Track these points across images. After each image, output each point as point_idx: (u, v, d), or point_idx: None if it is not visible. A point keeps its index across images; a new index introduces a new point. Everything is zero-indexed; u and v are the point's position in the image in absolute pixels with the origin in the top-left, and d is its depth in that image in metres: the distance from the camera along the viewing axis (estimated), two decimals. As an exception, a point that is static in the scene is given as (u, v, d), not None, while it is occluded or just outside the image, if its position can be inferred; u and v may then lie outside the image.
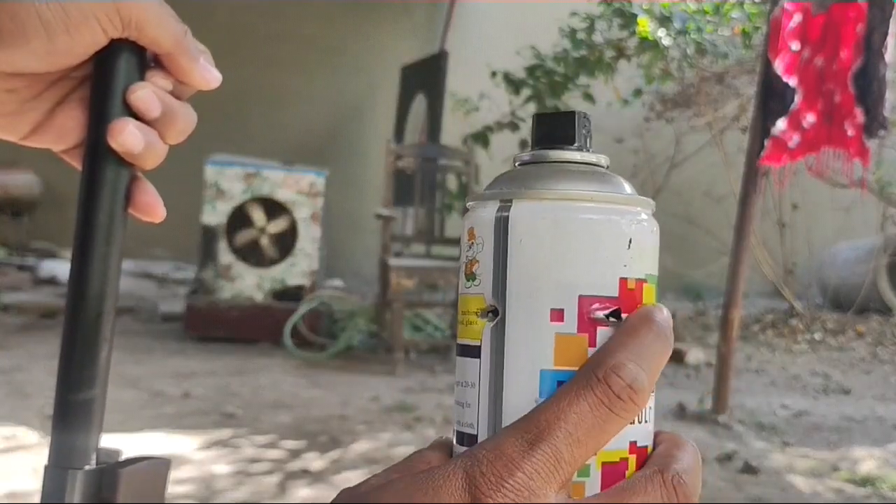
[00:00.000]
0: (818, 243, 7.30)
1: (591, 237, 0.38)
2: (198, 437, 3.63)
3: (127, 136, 0.49)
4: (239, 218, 5.47)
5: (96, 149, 0.49)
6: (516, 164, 0.42)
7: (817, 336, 6.56)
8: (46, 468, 0.48)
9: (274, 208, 5.51)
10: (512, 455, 0.36)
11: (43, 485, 0.47)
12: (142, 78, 0.51)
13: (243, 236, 5.50)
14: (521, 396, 0.38)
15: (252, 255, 5.50)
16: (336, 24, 7.82)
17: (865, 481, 3.78)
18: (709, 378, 4.94)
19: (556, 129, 0.41)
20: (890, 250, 7.00)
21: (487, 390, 0.38)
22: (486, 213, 0.39)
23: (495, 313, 0.38)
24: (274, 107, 7.58)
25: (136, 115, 0.50)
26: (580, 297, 0.38)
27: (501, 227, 0.39)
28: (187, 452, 3.43)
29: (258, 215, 5.50)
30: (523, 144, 6.28)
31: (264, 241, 5.52)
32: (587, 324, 0.38)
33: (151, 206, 0.52)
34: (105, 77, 0.50)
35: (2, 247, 6.91)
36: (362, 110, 7.99)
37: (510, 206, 0.39)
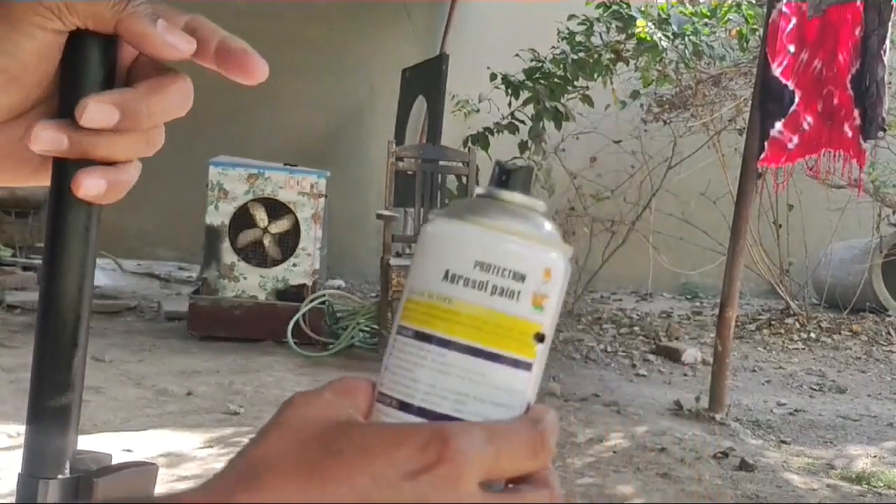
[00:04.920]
0: (814, 243, 7.34)
1: None
2: (201, 435, 3.67)
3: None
4: (242, 218, 5.51)
5: None
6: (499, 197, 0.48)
7: (813, 335, 6.59)
8: (20, 476, 0.46)
9: (276, 209, 5.55)
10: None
11: (17, 494, 0.46)
12: (110, 67, 0.48)
13: (246, 236, 5.54)
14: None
15: (255, 254, 5.54)
16: (337, 27, 7.85)
17: (860, 479, 3.81)
18: (705, 376, 4.97)
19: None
20: (885, 250, 7.04)
21: (530, 396, 0.46)
22: (561, 262, 0.47)
23: (543, 339, 0.46)
24: (276, 109, 7.61)
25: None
26: None
27: (567, 274, 0.47)
28: (190, 450, 3.47)
29: (261, 216, 5.54)
30: (523, 146, 6.32)
31: (267, 241, 5.56)
32: None
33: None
34: (67, 74, 0.48)
35: (7, 247, 6.95)
36: (363, 112, 8.03)
37: (569, 259, 0.48)
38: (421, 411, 0.45)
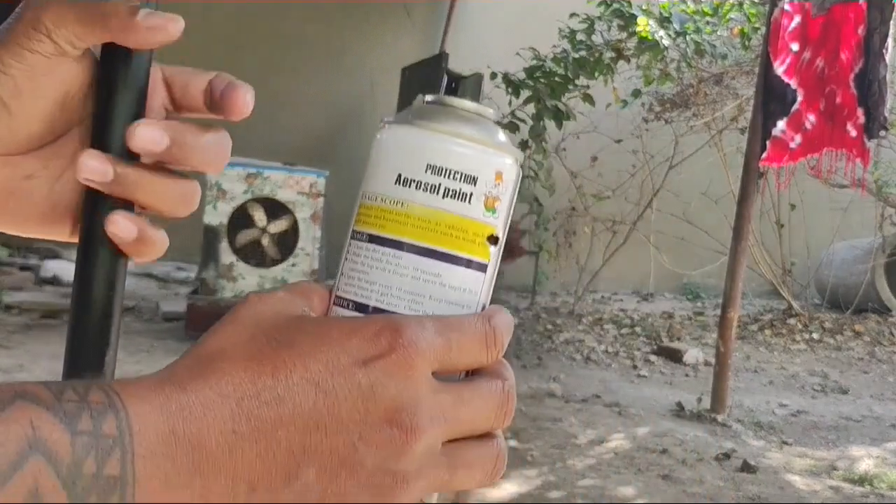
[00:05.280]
0: (816, 243, 7.32)
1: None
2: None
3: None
4: (240, 218, 5.49)
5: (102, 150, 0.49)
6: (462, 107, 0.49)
7: (815, 335, 6.58)
8: None
9: (275, 208, 5.53)
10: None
11: None
12: (141, 78, 0.49)
13: (245, 236, 5.52)
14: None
15: (253, 255, 5.52)
16: (337, 26, 7.84)
17: (863, 480, 3.80)
18: (707, 377, 4.96)
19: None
20: (888, 250, 7.02)
21: (484, 298, 0.48)
22: (512, 166, 0.48)
23: (497, 242, 0.48)
24: (275, 108, 7.59)
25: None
26: None
27: (518, 179, 0.49)
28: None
29: (259, 215, 5.52)
30: (523, 145, 6.30)
31: (265, 242, 5.54)
32: None
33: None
34: (102, 86, 0.49)
35: (4, 246, 6.94)
36: (363, 111, 8.02)
37: (520, 165, 0.49)
38: (377, 311, 0.46)
